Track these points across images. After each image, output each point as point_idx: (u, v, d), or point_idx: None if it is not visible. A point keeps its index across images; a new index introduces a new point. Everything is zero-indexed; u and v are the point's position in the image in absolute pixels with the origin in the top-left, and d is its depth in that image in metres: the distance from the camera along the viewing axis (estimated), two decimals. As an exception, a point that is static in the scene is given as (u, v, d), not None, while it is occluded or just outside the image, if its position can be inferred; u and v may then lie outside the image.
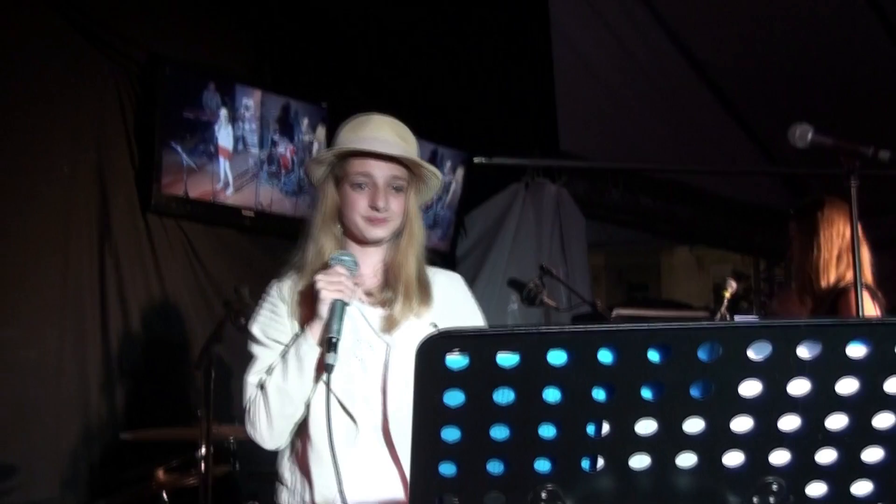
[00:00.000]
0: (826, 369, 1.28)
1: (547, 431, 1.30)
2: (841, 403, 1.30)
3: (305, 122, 5.80)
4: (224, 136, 5.34)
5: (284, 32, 6.01)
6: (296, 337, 2.54)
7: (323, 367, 2.41)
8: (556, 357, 1.25)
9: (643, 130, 7.95)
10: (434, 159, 6.53)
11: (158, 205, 5.10)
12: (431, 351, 1.25)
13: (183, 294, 5.28)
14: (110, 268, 4.97)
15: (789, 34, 7.15)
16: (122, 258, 5.01)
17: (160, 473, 4.17)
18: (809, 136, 2.86)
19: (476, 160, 6.82)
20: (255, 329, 2.62)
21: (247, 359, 2.63)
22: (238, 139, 5.41)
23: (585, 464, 1.33)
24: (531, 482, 1.33)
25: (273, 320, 2.60)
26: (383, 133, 2.60)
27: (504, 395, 1.27)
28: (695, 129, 8.25)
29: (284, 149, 5.69)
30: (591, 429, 1.31)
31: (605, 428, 1.31)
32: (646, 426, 1.30)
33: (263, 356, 2.56)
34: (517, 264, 6.95)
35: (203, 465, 3.83)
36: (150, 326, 5.11)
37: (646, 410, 1.29)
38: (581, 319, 5.26)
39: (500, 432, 1.29)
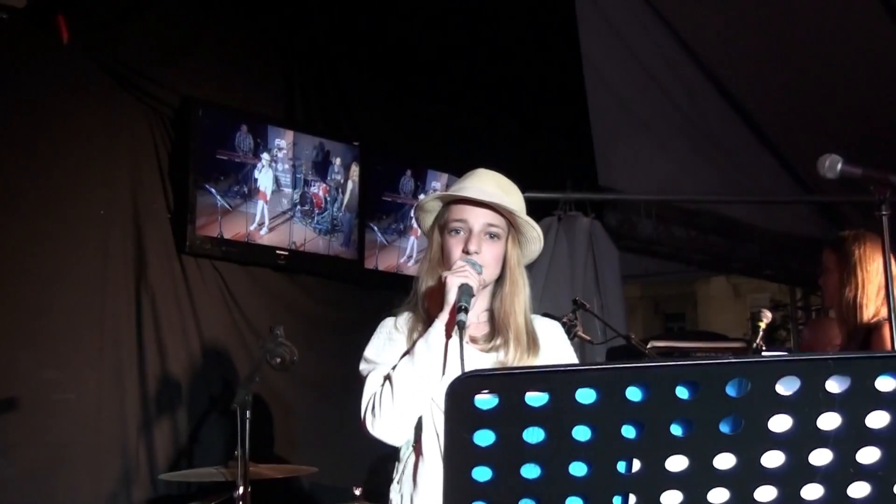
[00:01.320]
0: (856, 403, 1.28)
1: (578, 470, 1.30)
2: (872, 437, 1.30)
3: (338, 161, 5.85)
4: (264, 179, 5.41)
5: (316, 73, 6.07)
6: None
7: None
8: (585, 396, 1.26)
9: (676, 161, 7.95)
10: None
11: (193, 246, 5.16)
12: (461, 392, 1.25)
13: (219, 334, 5.32)
14: (147, 309, 5.02)
15: (822, 63, 7.13)
16: (158, 300, 5.07)
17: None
18: (839, 166, 2.85)
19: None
20: (370, 352, 2.72)
21: (353, 378, 2.72)
22: (272, 180, 5.47)
23: (617, 501, 1.33)
24: (563, 520, 1.33)
25: (388, 346, 2.70)
26: (484, 184, 2.71)
27: (534, 435, 1.27)
28: (728, 159, 8.24)
29: (317, 188, 5.74)
30: (622, 466, 1.31)
31: (637, 465, 1.31)
32: (676, 463, 1.30)
33: (380, 369, 2.64)
34: (551, 298, 6.94)
35: (241, 504, 3.84)
36: (186, 367, 5.15)
37: (676, 447, 1.29)
38: (616, 353, 5.25)
39: (531, 471, 1.29)
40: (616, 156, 7.72)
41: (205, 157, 5.18)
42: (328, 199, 5.78)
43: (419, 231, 5.73)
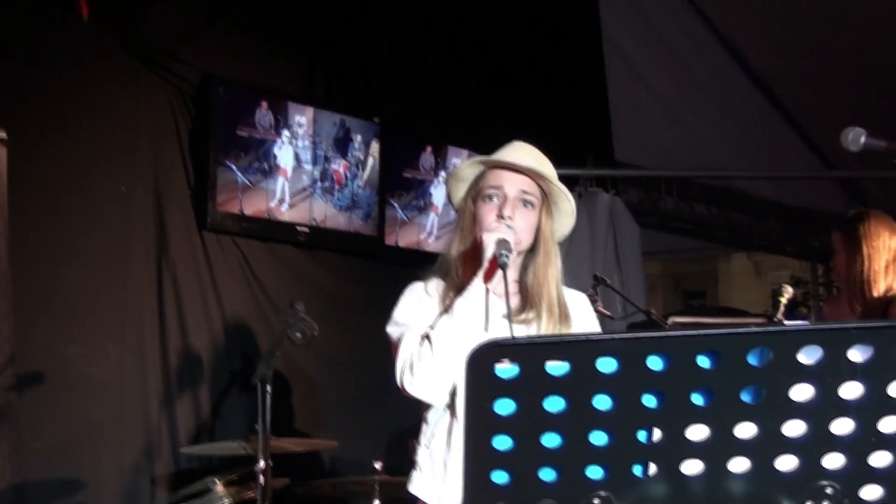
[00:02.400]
0: (878, 372, 1.27)
1: (598, 439, 1.30)
2: (894, 406, 1.29)
3: (359, 137, 5.85)
4: (285, 155, 5.41)
5: (336, 50, 6.06)
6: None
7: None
8: (606, 365, 1.26)
9: (697, 138, 7.92)
10: None
11: (214, 222, 5.17)
12: (482, 361, 1.26)
13: (240, 310, 5.34)
14: (168, 285, 5.05)
15: (843, 37, 7.07)
16: (179, 276, 5.09)
17: (220, 487, 4.21)
18: (862, 139, 2.83)
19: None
20: (399, 314, 2.70)
21: (386, 344, 2.71)
22: (293, 156, 5.48)
23: (637, 470, 1.33)
24: (584, 489, 1.33)
25: (419, 309, 2.68)
26: (519, 154, 2.71)
27: (555, 404, 1.27)
28: (749, 135, 8.19)
29: (338, 164, 5.74)
30: (642, 435, 1.31)
31: (657, 434, 1.31)
32: (697, 432, 1.30)
33: (413, 330, 2.62)
34: (571, 274, 6.88)
35: (262, 478, 3.86)
36: (207, 342, 5.18)
37: (697, 416, 1.29)
38: (636, 328, 5.23)
39: (551, 440, 1.30)
40: (634, 131, 7.68)
41: (225, 133, 5.19)
42: (348, 175, 5.79)
43: (439, 208, 5.76)
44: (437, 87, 6.56)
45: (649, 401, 1.29)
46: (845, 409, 1.29)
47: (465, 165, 2.77)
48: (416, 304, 2.70)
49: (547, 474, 1.32)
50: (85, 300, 4.75)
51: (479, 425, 1.29)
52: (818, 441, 1.31)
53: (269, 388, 3.88)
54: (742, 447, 1.31)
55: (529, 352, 1.27)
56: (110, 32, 4.90)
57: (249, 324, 5.37)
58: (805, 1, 6.82)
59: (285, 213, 5.48)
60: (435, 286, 2.72)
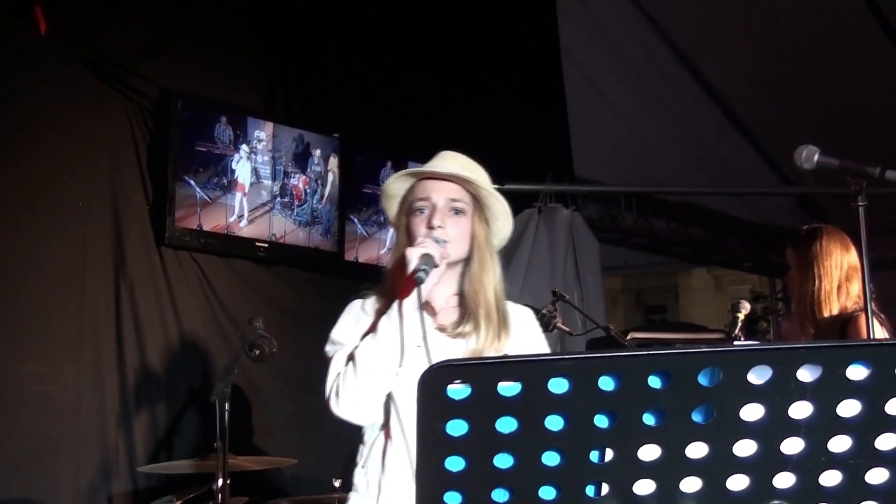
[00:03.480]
0: (827, 392, 1.28)
1: (551, 459, 1.30)
2: (843, 426, 1.30)
3: (318, 152, 5.84)
4: (242, 170, 5.39)
5: (295, 64, 6.06)
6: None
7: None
8: (558, 385, 1.26)
9: (656, 153, 7.98)
10: None
11: (172, 238, 5.14)
12: (433, 381, 1.26)
13: (199, 326, 5.31)
14: (126, 302, 5.01)
15: (800, 55, 7.16)
16: (137, 292, 5.05)
17: (178, 506, 4.18)
18: (816, 157, 2.86)
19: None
20: (336, 334, 2.66)
21: (322, 363, 2.65)
22: (251, 172, 5.46)
23: (590, 491, 1.33)
24: (537, 510, 1.33)
25: (354, 328, 2.63)
26: (446, 163, 2.68)
27: (507, 424, 1.27)
28: (707, 151, 8.26)
29: (297, 180, 5.73)
30: (594, 456, 1.31)
31: (609, 454, 1.31)
32: (649, 452, 1.30)
33: (345, 349, 2.58)
34: (531, 290, 6.94)
35: (220, 496, 3.84)
36: (166, 359, 5.13)
37: (649, 436, 1.29)
38: (596, 344, 5.25)
39: (504, 461, 1.30)
40: (594, 147, 7.73)
41: (184, 148, 5.16)
42: (308, 191, 5.77)
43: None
44: (397, 102, 6.56)
45: (601, 421, 1.29)
46: (795, 428, 1.30)
47: (391, 181, 2.74)
48: (353, 323, 2.65)
49: (500, 495, 1.32)
50: (41, 317, 4.70)
51: (432, 446, 1.29)
52: (769, 461, 1.32)
53: (227, 405, 3.86)
54: (694, 467, 1.31)
55: (481, 372, 1.27)
56: (68, 47, 4.87)
57: (208, 340, 5.34)
58: (761, 16, 6.90)
59: (244, 229, 5.46)
60: (372, 304, 2.68)
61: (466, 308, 2.66)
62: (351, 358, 2.52)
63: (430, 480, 1.30)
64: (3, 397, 4.44)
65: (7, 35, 4.63)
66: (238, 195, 5.40)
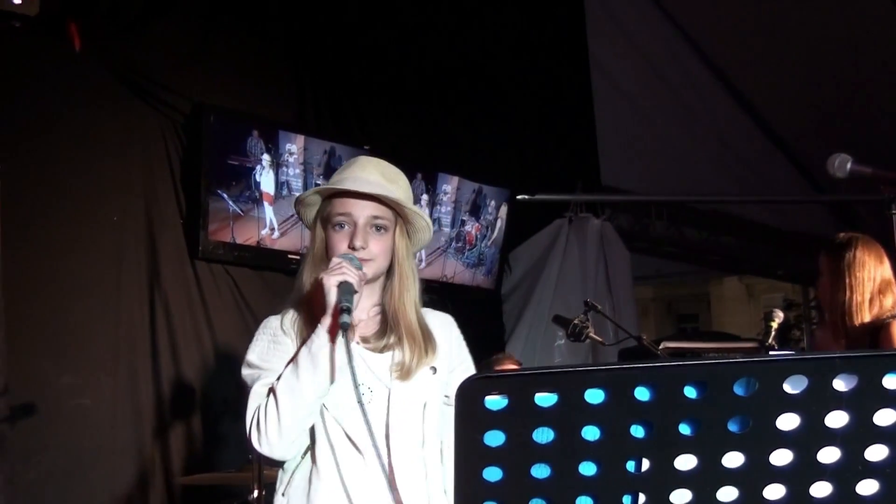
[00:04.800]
0: (863, 401, 1.29)
1: (587, 469, 1.31)
2: (880, 435, 1.31)
3: (350, 165, 5.85)
4: (266, 181, 5.42)
5: (326, 77, 6.09)
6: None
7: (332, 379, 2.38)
8: (594, 396, 1.27)
9: (686, 162, 7.96)
10: (477, 198, 6.57)
11: (206, 251, 5.18)
12: (471, 393, 1.27)
13: (232, 338, 5.34)
14: (161, 315, 5.05)
15: (832, 63, 7.13)
16: (171, 305, 5.09)
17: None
18: (848, 165, 2.86)
19: (519, 197, 6.86)
20: (253, 356, 2.52)
21: (242, 388, 2.53)
22: (282, 184, 5.49)
23: (627, 500, 1.34)
24: (574, 520, 1.34)
25: (273, 350, 2.51)
26: (367, 173, 2.56)
27: (544, 435, 1.28)
28: (738, 159, 8.24)
29: (310, 190, 5.74)
30: (631, 465, 1.32)
31: (645, 464, 1.32)
32: (685, 462, 1.31)
33: (265, 376, 2.45)
34: (563, 300, 6.95)
35: (255, 508, 3.86)
36: (200, 371, 5.17)
37: (685, 446, 1.30)
38: (628, 354, 5.25)
39: (541, 471, 1.30)
40: (623, 157, 7.73)
41: (216, 162, 5.20)
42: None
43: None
44: (427, 114, 6.59)
45: (637, 431, 1.30)
46: (832, 437, 1.30)
47: (309, 193, 2.61)
48: (269, 345, 2.52)
49: (537, 505, 1.33)
50: (78, 330, 4.75)
51: (470, 457, 1.30)
52: (805, 470, 1.32)
53: (261, 417, 3.88)
54: (730, 476, 1.32)
55: (518, 383, 1.28)
56: (102, 63, 4.93)
57: (242, 352, 5.30)
58: (791, 25, 6.88)
59: (277, 241, 5.49)
60: (291, 321, 2.56)
61: (389, 322, 2.58)
62: (272, 395, 2.39)
63: (468, 491, 1.32)
64: (40, 410, 4.49)
65: (42, 52, 4.69)
66: (266, 205, 5.43)
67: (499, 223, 6.88)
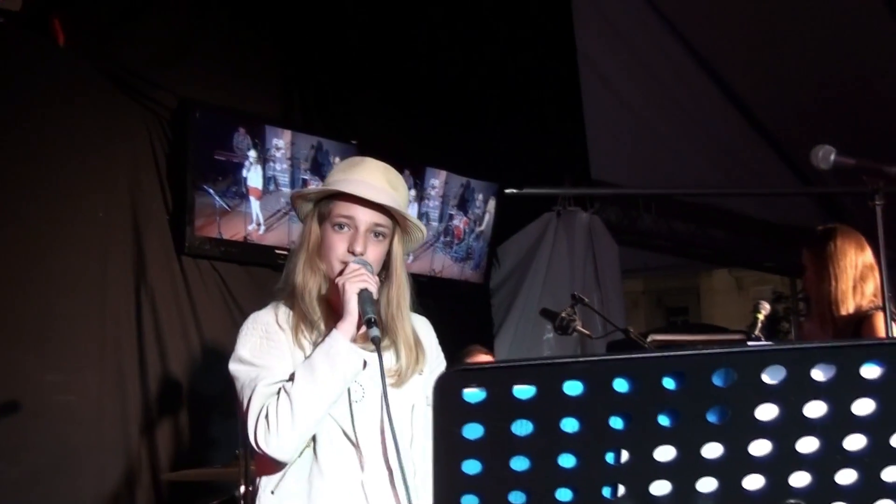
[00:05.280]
0: (842, 391, 1.29)
1: (567, 461, 1.31)
2: (858, 424, 1.30)
3: (336, 160, 5.85)
4: (253, 176, 5.40)
5: (313, 72, 6.08)
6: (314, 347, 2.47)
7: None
8: (572, 388, 1.26)
9: (673, 155, 7.96)
10: (465, 192, 6.57)
11: (192, 247, 5.17)
12: (449, 386, 1.26)
13: (219, 334, 5.33)
14: (147, 311, 5.03)
15: (818, 54, 7.14)
16: (158, 301, 5.08)
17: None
18: (832, 157, 2.87)
19: (507, 191, 6.86)
20: (246, 352, 2.50)
21: (230, 382, 2.53)
22: (269, 179, 5.48)
23: (606, 492, 1.34)
24: (554, 512, 1.34)
25: (267, 346, 2.50)
26: (373, 178, 2.55)
27: (522, 427, 1.28)
28: (725, 152, 8.24)
29: (315, 187, 5.73)
30: (610, 457, 1.32)
31: (625, 456, 1.32)
32: (664, 453, 1.31)
33: (265, 374, 2.43)
34: (551, 293, 6.96)
35: (243, 503, 3.86)
36: (187, 367, 5.16)
37: (664, 437, 1.30)
38: (616, 346, 5.25)
39: (520, 463, 1.30)
40: (611, 149, 7.73)
41: (202, 158, 5.19)
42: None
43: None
44: (414, 109, 6.58)
45: (616, 423, 1.29)
46: (810, 427, 1.30)
47: (314, 191, 2.63)
48: (263, 341, 2.50)
49: (517, 497, 1.33)
50: (63, 327, 4.73)
51: (448, 450, 1.30)
52: (784, 460, 1.32)
53: (248, 412, 3.88)
54: (709, 467, 1.32)
55: (496, 376, 1.27)
56: (86, 58, 4.90)
57: (229, 348, 5.30)
58: (776, 16, 6.88)
59: (264, 236, 5.48)
60: (285, 316, 2.55)
61: (382, 327, 2.54)
62: (284, 395, 2.38)
63: (447, 484, 1.31)
64: (25, 407, 4.47)
65: (26, 47, 4.67)
66: (252, 200, 5.42)
67: (487, 217, 6.88)
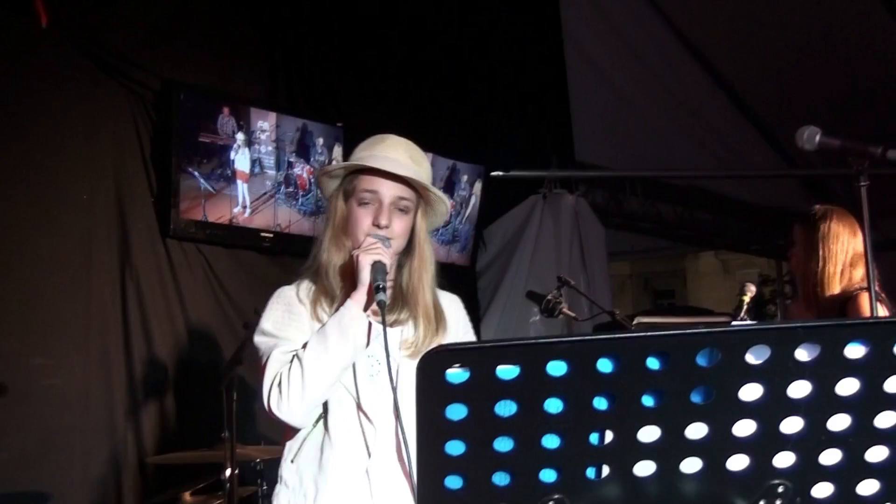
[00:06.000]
0: (826, 371, 1.28)
1: (551, 442, 1.30)
2: (842, 404, 1.30)
3: (321, 142, 5.83)
4: (241, 159, 5.38)
5: (298, 54, 6.05)
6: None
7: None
8: (556, 368, 1.26)
9: (659, 138, 7.96)
10: (452, 174, 6.55)
11: (177, 229, 5.15)
12: (432, 366, 1.26)
13: (204, 317, 5.32)
14: (132, 293, 5.02)
15: (802, 36, 7.14)
16: (143, 284, 5.06)
17: (187, 496, 4.21)
18: (817, 138, 2.86)
19: (493, 174, 6.83)
20: (268, 324, 2.59)
21: (254, 355, 2.62)
22: (255, 162, 5.46)
23: (590, 473, 1.33)
24: (538, 493, 1.33)
25: (289, 319, 2.58)
26: (396, 153, 2.61)
27: (506, 408, 1.27)
28: (712, 134, 8.25)
29: (301, 169, 5.73)
30: (594, 438, 1.31)
31: (609, 436, 1.32)
32: (649, 433, 1.30)
33: (282, 344, 2.53)
34: (537, 276, 6.96)
35: (229, 486, 3.85)
36: (172, 350, 5.15)
37: (648, 418, 1.29)
38: (602, 328, 5.25)
39: (504, 444, 1.30)
40: (597, 132, 7.72)
41: (187, 140, 5.16)
42: (312, 180, 5.77)
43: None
44: (400, 90, 6.56)
45: (600, 403, 1.29)
46: (794, 408, 1.30)
47: (338, 167, 2.71)
48: (285, 314, 2.59)
49: (501, 479, 1.32)
50: (48, 310, 4.71)
51: (432, 431, 1.29)
52: (769, 440, 1.32)
53: (234, 395, 3.88)
54: (694, 448, 1.31)
55: (479, 356, 1.27)
56: (70, 39, 4.87)
57: (214, 331, 5.35)
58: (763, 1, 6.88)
59: (249, 219, 5.46)
60: (306, 291, 2.64)
61: (402, 297, 2.66)
62: (297, 359, 2.47)
63: (430, 465, 1.31)
64: (11, 391, 4.46)
65: (8, 28, 4.63)
66: (240, 183, 5.40)
67: (473, 199, 6.87)
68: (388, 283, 2.51)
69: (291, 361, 2.47)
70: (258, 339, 2.59)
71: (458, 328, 2.77)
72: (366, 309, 2.48)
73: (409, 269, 2.67)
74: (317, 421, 2.56)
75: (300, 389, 2.42)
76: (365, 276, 2.46)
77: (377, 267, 2.45)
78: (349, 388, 2.53)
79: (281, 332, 2.56)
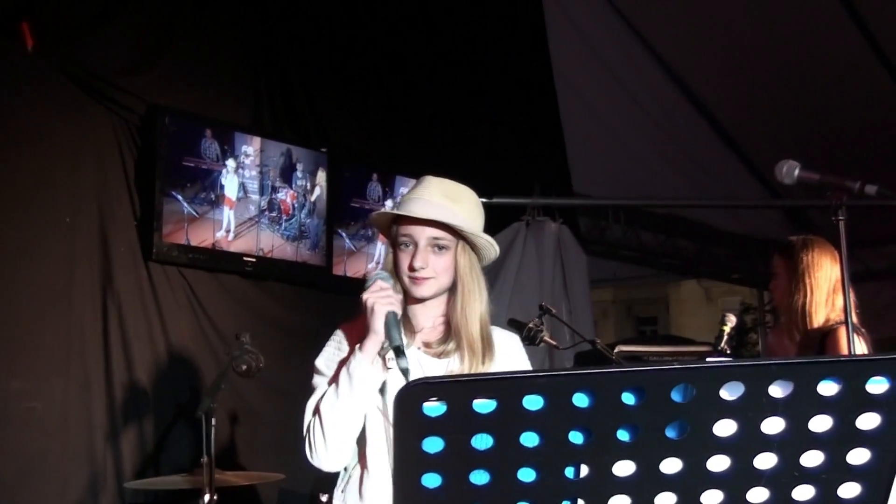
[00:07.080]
0: (799, 407, 1.30)
1: (526, 475, 1.31)
2: (815, 441, 1.32)
3: (301, 166, 5.84)
4: (230, 185, 5.39)
5: (283, 79, 6.07)
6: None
7: (375, 388, 2.60)
8: (533, 402, 1.27)
9: (643, 166, 8.01)
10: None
11: (160, 253, 5.13)
12: (409, 399, 1.27)
13: (186, 341, 5.30)
14: (113, 317, 4.99)
15: (786, 70, 7.20)
16: (125, 307, 5.04)
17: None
18: (796, 172, 2.90)
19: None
20: (321, 362, 2.73)
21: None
22: (239, 186, 5.46)
23: (566, 506, 1.35)
24: (513, 525, 1.34)
25: (336, 357, 2.70)
26: (429, 193, 2.68)
27: (482, 441, 1.29)
28: (695, 164, 8.30)
29: (285, 194, 5.73)
30: (570, 472, 1.33)
31: (584, 470, 1.33)
32: (624, 468, 1.32)
33: (320, 386, 2.65)
34: (519, 304, 6.94)
35: (207, 512, 3.84)
36: (154, 374, 5.13)
37: (623, 452, 1.31)
38: (584, 357, 5.26)
39: (480, 477, 1.31)
40: (590, 163, 7.76)
41: (171, 164, 5.16)
42: (296, 205, 5.77)
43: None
44: (385, 117, 6.57)
45: (576, 437, 1.30)
46: (768, 444, 1.32)
47: (375, 216, 2.82)
48: (334, 353, 2.73)
49: (476, 511, 1.33)
50: (28, 333, 4.69)
51: (408, 463, 1.30)
52: (742, 475, 1.33)
53: (214, 420, 3.87)
54: (668, 482, 1.33)
55: (456, 390, 1.28)
56: (55, 63, 4.86)
57: (196, 355, 5.33)
58: (747, 30, 6.94)
59: (232, 244, 5.45)
60: (357, 332, 2.71)
61: (452, 331, 2.73)
62: (317, 411, 2.59)
63: (407, 498, 1.31)
64: (-10, 414, 4.44)
65: (-6, 51, 4.64)
66: (226, 209, 5.40)
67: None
68: (431, 313, 2.73)
69: (314, 414, 2.60)
70: (313, 380, 2.72)
71: (511, 361, 2.82)
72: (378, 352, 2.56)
73: (454, 302, 2.74)
74: (358, 452, 2.68)
75: (322, 440, 2.56)
76: (378, 325, 2.53)
77: (390, 320, 2.52)
78: (384, 419, 2.63)
79: (326, 370, 2.69)
